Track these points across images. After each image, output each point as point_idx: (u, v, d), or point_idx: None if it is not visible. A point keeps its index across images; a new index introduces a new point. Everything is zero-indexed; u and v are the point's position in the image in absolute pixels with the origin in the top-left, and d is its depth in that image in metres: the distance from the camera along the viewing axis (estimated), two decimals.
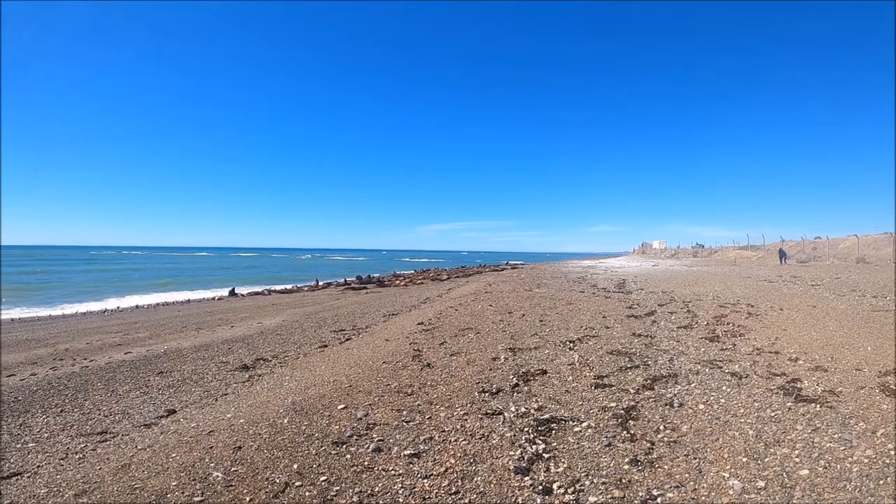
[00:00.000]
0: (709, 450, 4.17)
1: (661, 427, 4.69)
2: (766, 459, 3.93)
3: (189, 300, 32.20)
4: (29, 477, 4.60)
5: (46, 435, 5.85)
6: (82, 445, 5.39)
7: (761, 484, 3.59)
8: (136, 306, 29.30)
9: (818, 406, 4.96)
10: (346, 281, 40.44)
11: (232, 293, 34.60)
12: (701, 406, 5.17)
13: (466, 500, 3.64)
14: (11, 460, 5.12)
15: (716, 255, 64.73)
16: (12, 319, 23.78)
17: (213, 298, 32.48)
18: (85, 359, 10.43)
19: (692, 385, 5.88)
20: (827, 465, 3.79)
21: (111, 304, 30.96)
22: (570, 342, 8.42)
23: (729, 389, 5.64)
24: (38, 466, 4.87)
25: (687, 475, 3.78)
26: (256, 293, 35.62)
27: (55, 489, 4.16)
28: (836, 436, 4.26)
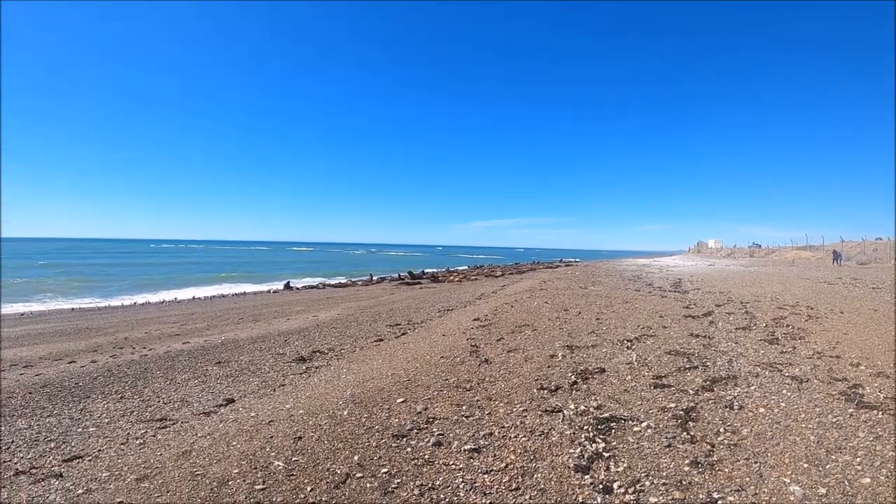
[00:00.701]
0: (769, 454, 4.13)
1: (722, 429, 4.65)
2: (827, 466, 3.89)
3: (245, 293, 32.76)
4: (90, 460, 4.73)
5: (107, 420, 5.99)
6: (142, 431, 5.51)
7: (822, 491, 3.55)
8: (193, 298, 29.98)
9: (880, 413, 4.88)
10: (399, 276, 40.64)
11: (287, 287, 35.10)
12: (761, 409, 5.11)
13: (527, 497, 3.65)
14: (73, 443, 5.25)
15: (773, 256, 63.27)
16: (73, 309, 24.57)
17: (269, 291, 33.02)
18: (144, 348, 10.71)
19: (752, 388, 5.81)
20: (889, 473, 3.73)
21: (169, 295, 31.69)
22: (628, 341, 8.38)
23: (789, 393, 5.56)
24: (100, 450, 4.99)
25: (748, 479, 3.75)
26: (311, 287, 36.07)
27: (117, 473, 4.29)
28: None
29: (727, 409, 5.15)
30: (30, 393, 7.06)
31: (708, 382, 6.04)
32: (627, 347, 7.94)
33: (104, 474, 4.29)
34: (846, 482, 3.65)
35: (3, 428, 5.75)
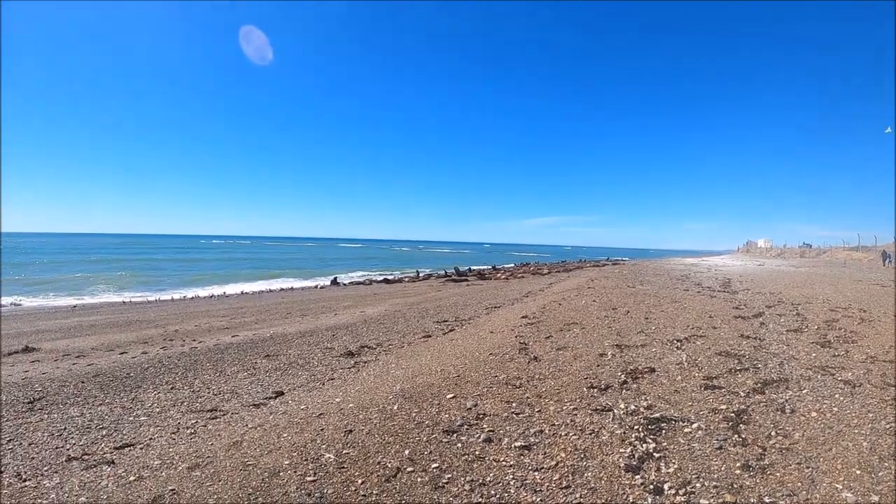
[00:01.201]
0: (822, 459, 4.11)
1: (773, 433, 4.62)
2: (880, 473, 3.85)
3: (292, 288, 33.15)
4: (141, 448, 4.85)
5: (158, 410, 6.14)
6: (193, 421, 5.64)
7: (875, 499, 3.53)
8: (242, 293, 30.42)
9: None
10: (446, 273, 40.77)
11: (334, 282, 35.45)
12: (813, 413, 5.07)
13: (577, 495, 3.68)
14: (124, 432, 5.40)
15: (824, 256, 61.81)
16: (123, 302, 25.16)
17: (316, 287, 33.34)
18: (194, 340, 10.93)
19: (804, 391, 5.76)
20: None
21: (218, 290, 32.23)
22: (677, 341, 8.34)
23: (842, 398, 5.50)
24: (151, 439, 5.13)
25: (799, 484, 3.73)
26: (358, 283, 36.37)
27: (168, 461, 4.40)
28: None
29: (779, 413, 5.12)
30: (82, 382, 7.28)
31: (759, 385, 6.00)
32: (677, 347, 7.91)
33: (155, 462, 4.41)
34: None
35: (55, 416, 5.96)
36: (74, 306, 23.44)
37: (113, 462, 4.52)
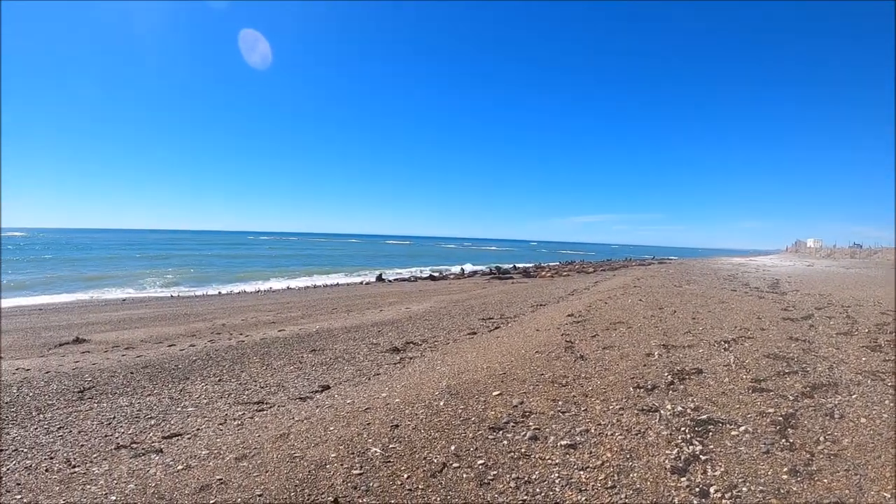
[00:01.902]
0: (870, 466, 4.05)
1: (821, 438, 4.57)
2: None
3: (338, 284, 33.38)
4: (189, 438, 5.00)
5: (205, 401, 6.33)
6: (240, 413, 5.79)
7: None
8: (288, 288, 30.74)
9: None
10: (490, 270, 40.77)
11: (379, 279, 35.61)
12: (863, 420, 4.99)
13: (622, 496, 3.68)
14: (172, 422, 5.58)
15: (875, 257, 60.28)
16: (171, 296, 25.68)
17: (361, 283, 33.56)
18: (241, 334, 11.15)
19: (853, 396, 5.67)
20: None
21: (264, 285, 32.66)
22: (725, 342, 8.26)
23: (892, 404, 5.39)
24: (198, 429, 5.28)
25: (847, 491, 3.69)
26: (403, 280, 36.49)
27: (215, 451, 4.52)
28: None
29: (827, 418, 5.05)
30: (131, 373, 7.53)
31: (808, 388, 5.93)
32: (724, 349, 7.84)
33: (203, 452, 4.53)
34: None
35: (105, 405, 6.18)
36: (124, 300, 24.01)
37: (161, 451, 4.67)
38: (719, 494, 3.71)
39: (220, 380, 7.29)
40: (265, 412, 5.77)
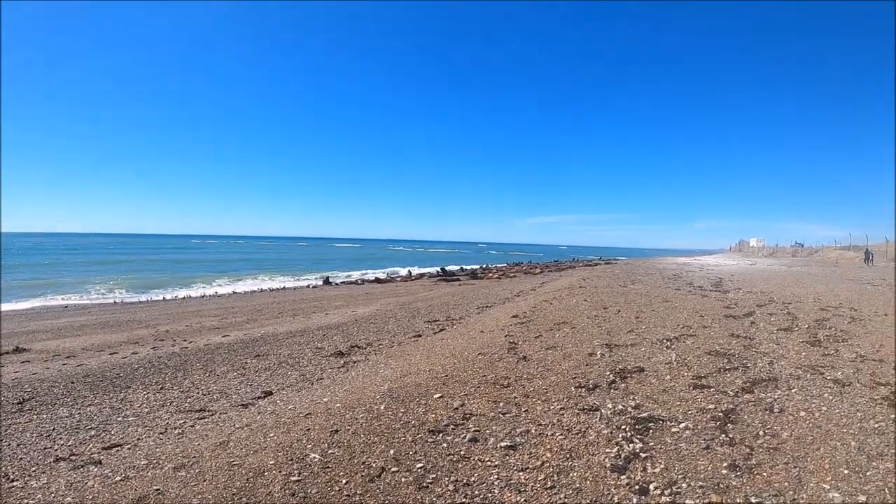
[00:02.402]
0: (809, 459, 4.08)
1: (761, 432, 4.60)
2: (868, 473, 3.82)
3: (284, 287, 33.10)
4: (129, 448, 4.87)
5: (146, 410, 6.15)
6: (181, 421, 5.66)
7: (862, 498, 3.50)
8: (234, 292, 30.38)
9: None
10: (438, 272, 40.84)
11: (326, 282, 35.43)
12: (802, 413, 5.05)
13: (562, 496, 3.66)
14: (112, 432, 5.40)
15: (816, 256, 62.09)
16: (115, 302, 25.12)
17: (308, 286, 33.30)
18: (184, 340, 10.90)
19: (793, 390, 5.74)
20: None
21: (209, 290, 32.19)
22: (667, 340, 8.33)
23: (831, 397, 5.48)
24: (139, 439, 5.14)
25: (786, 484, 3.70)
26: (350, 282, 36.36)
27: (154, 461, 4.40)
28: None
29: (767, 412, 5.10)
30: (72, 382, 7.27)
31: (748, 384, 5.99)
32: (667, 347, 7.90)
33: (142, 462, 4.41)
34: (887, 490, 3.59)
35: (45, 416, 5.94)
36: (66, 307, 23.31)
37: (100, 462, 4.51)
38: (658, 491, 3.69)
39: (162, 388, 7.10)
40: (206, 420, 5.67)
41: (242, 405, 6.17)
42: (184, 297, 27.48)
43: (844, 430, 4.62)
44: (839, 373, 6.43)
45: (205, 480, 3.91)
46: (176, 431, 5.32)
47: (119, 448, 4.90)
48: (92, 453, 4.81)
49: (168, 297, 28.22)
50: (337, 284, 34.25)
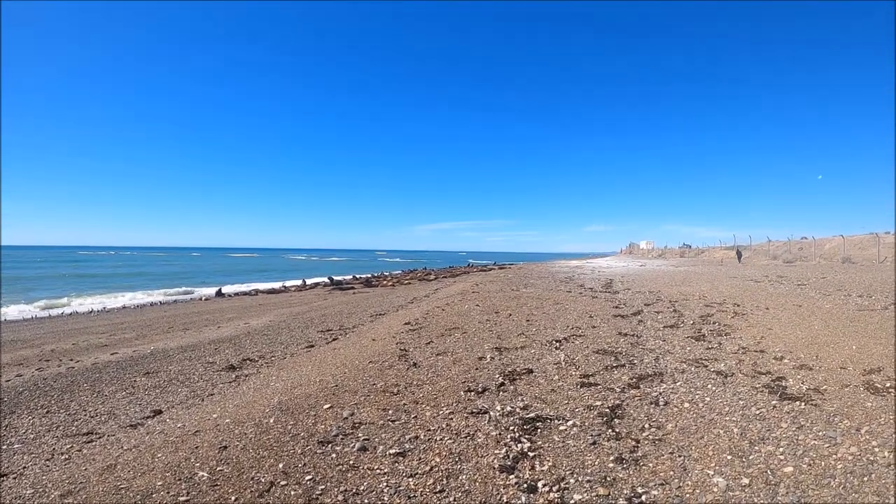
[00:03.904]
0: (694, 448, 4.18)
1: (647, 425, 4.70)
2: (750, 457, 3.95)
3: (176, 301, 32.08)
4: (14, 478, 4.59)
5: (32, 436, 5.82)
6: (68, 446, 5.38)
7: (746, 481, 3.60)
8: (123, 307, 29.14)
9: (803, 404, 4.99)
10: (331, 280, 40.49)
11: (219, 294, 34.49)
12: (686, 404, 5.19)
13: (451, 499, 3.65)
14: None
15: (703, 256, 65.12)
16: None
17: (201, 299, 32.37)
18: (71, 360, 10.33)
19: (678, 384, 5.90)
20: (811, 462, 3.80)
21: (97, 304, 30.84)
22: (557, 341, 8.42)
23: (714, 388, 5.66)
24: (24, 467, 4.86)
25: (672, 473, 3.79)
26: (243, 294, 35.54)
27: (41, 490, 4.18)
28: (820, 433, 4.29)
29: (652, 406, 5.22)
30: None
31: (634, 380, 6.11)
32: (556, 348, 7.98)
33: (28, 492, 4.20)
34: (769, 472, 3.71)
35: None
36: None
37: None
38: (547, 488, 3.71)
39: (48, 411, 6.73)
40: (94, 443, 5.41)
41: (131, 426, 5.93)
42: (70, 314, 26.19)
43: (727, 418, 4.77)
44: (722, 364, 6.66)
45: None
46: (63, 457, 5.07)
47: (4, 478, 4.62)
48: None
49: (53, 313, 26.83)
50: (230, 296, 33.36)
